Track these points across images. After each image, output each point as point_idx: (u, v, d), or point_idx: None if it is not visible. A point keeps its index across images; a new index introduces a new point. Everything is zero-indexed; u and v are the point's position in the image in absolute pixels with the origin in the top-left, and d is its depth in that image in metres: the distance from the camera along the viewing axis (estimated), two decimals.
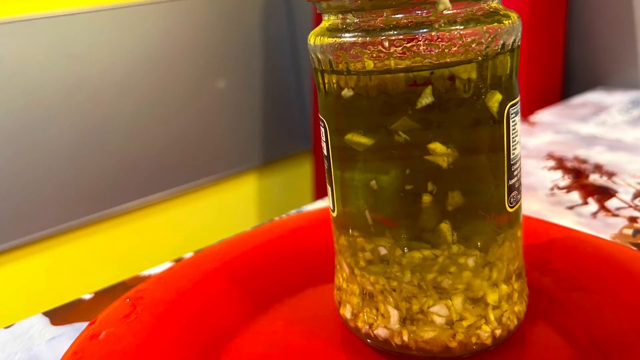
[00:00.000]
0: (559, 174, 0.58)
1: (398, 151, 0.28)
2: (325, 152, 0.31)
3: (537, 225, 0.40)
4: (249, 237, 0.43)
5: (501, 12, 0.27)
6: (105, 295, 0.42)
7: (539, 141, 0.70)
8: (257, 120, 1.34)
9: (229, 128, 1.29)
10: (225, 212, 1.33)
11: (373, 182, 0.29)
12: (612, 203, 0.50)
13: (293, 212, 0.53)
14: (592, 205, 0.50)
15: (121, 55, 1.11)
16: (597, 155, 0.63)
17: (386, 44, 0.26)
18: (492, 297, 0.30)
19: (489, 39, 0.26)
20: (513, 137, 0.29)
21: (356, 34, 0.27)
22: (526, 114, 0.84)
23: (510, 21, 0.27)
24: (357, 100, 0.28)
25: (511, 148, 0.29)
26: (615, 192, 0.52)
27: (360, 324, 0.32)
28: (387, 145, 0.28)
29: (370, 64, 0.27)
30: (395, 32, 0.26)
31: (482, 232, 0.29)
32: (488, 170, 0.28)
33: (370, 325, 0.31)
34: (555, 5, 0.91)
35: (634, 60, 0.88)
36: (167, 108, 1.18)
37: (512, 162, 0.29)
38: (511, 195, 0.29)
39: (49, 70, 1.03)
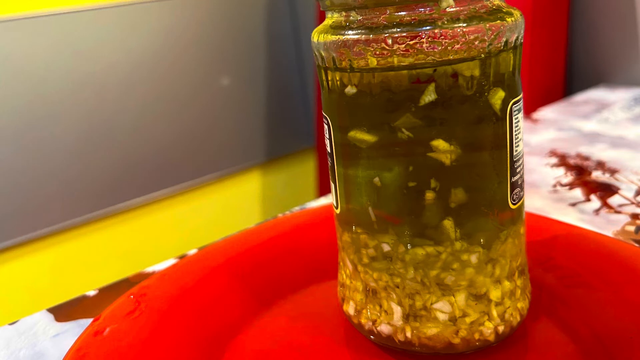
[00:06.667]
0: (561, 170, 0.58)
1: (401, 148, 0.28)
2: (328, 149, 0.31)
3: (539, 222, 0.40)
4: (252, 234, 0.43)
5: (504, 10, 0.27)
6: (110, 291, 0.43)
7: (541, 138, 0.70)
8: (261, 118, 1.34)
9: (232, 125, 1.29)
10: (229, 209, 1.34)
11: (376, 179, 0.29)
12: (614, 200, 0.50)
13: (296, 208, 0.53)
14: (595, 202, 0.50)
15: (125, 52, 1.11)
16: (599, 152, 0.63)
17: (389, 41, 0.26)
18: (495, 294, 0.30)
19: (492, 37, 0.26)
20: (516, 134, 0.29)
21: (359, 31, 0.27)
22: (529, 111, 0.84)
23: (513, 19, 0.27)
24: (360, 97, 0.28)
25: (514, 145, 0.29)
26: (618, 189, 0.52)
27: (363, 321, 0.32)
28: (390, 142, 0.28)
29: (373, 62, 0.27)
30: (398, 30, 0.26)
31: (485, 229, 0.29)
32: (491, 167, 0.28)
33: (374, 322, 0.31)
34: (558, 2, 0.91)
35: (636, 57, 0.88)
36: (171, 105, 1.18)
37: (514, 159, 0.29)
38: (514, 192, 0.29)
39: (53, 67, 1.03)
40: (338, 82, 0.29)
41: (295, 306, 0.37)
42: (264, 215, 1.41)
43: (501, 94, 0.27)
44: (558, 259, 0.37)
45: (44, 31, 1.02)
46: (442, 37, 0.26)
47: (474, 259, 0.29)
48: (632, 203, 0.49)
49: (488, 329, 0.30)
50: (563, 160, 0.61)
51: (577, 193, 0.52)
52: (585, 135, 0.69)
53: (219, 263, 0.39)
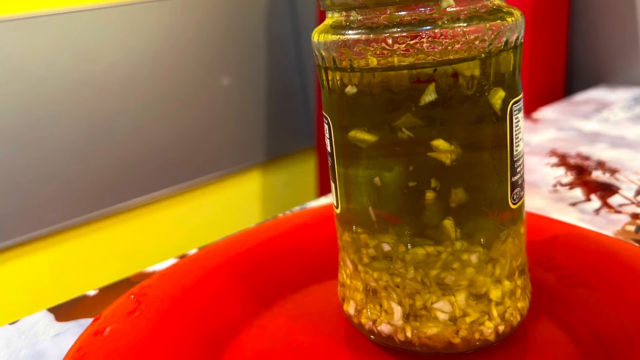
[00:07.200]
0: (561, 170, 0.58)
1: (401, 148, 0.28)
2: (328, 149, 0.31)
3: (540, 222, 0.40)
4: (253, 234, 0.43)
5: (504, 10, 0.27)
6: (110, 291, 0.43)
7: (541, 138, 0.70)
8: (261, 117, 1.34)
9: (233, 125, 1.29)
10: (229, 208, 1.34)
11: (376, 179, 0.29)
12: (614, 200, 0.50)
13: (297, 208, 0.53)
14: (595, 201, 0.50)
15: (126, 52, 1.11)
16: (599, 152, 0.63)
17: (389, 41, 0.26)
18: (495, 294, 0.30)
19: (492, 36, 0.26)
20: (516, 134, 0.29)
21: (360, 31, 0.27)
22: (529, 110, 0.84)
23: (513, 18, 0.27)
24: (360, 97, 0.28)
25: (514, 145, 0.29)
26: (618, 188, 0.52)
27: (363, 320, 0.32)
28: (391, 142, 0.28)
29: (373, 61, 0.27)
30: (398, 30, 0.26)
31: (485, 229, 0.29)
32: (491, 167, 0.28)
33: (374, 322, 0.31)
34: (558, 2, 0.91)
35: (636, 57, 0.88)
36: (171, 105, 1.18)
37: (515, 159, 0.29)
38: (514, 192, 0.29)
39: (54, 67, 1.03)
40: (338, 82, 0.29)
41: (295, 306, 0.37)
42: (264, 215, 1.41)
43: (501, 93, 0.28)
44: (558, 259, 0.37)
45: (44, 31, 1.02)
46: (443, 36, 0.26)
47: (474, 258, 0.29)
48: (633, 203, 0.49)
49: (488, 329, 0.30)
50: (563, 160, 0.61)
51: (578, 193, 0.52)
52: (586, 135, 0.69)
53: (219, 263, 0.39)
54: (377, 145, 0.28)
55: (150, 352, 0.31)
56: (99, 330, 0.32)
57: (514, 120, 0.28)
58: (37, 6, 1.01)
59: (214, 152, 1.28)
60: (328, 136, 0.31)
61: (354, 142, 0.29)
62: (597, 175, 0.56)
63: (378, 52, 0.26)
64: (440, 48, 0.26)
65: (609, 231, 0.45)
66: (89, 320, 0.39)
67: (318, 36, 0.29)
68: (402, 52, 0.26)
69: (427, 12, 0.26)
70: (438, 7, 0.26)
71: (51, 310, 0.41)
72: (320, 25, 0.30)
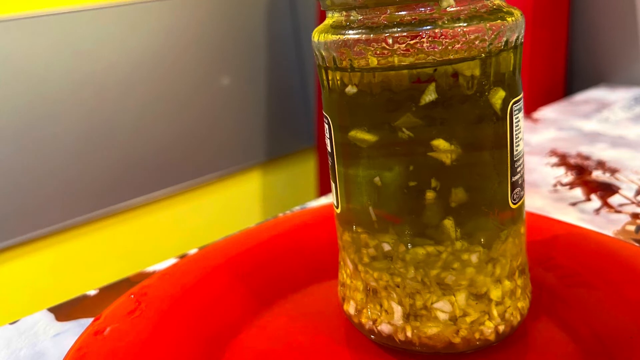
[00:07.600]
0: (562, 170, 0.58)
1: (402, 148, 0.28)
2: (329, 148, 0.31)
3: (540, 222, 0.40)
4: (253, 234, 0.43)
5: (504, 9, 0.27)
6: (110, 291, 0.43)
7: (542, 138, 0.70)
8: (261, 117, 1.34)
9: (233, 125, 1.29)
10: (229, 208, 1.34)
11: (377, 179, 0.29)
12: (614, 199, 0.50)
13: (297, 208, 0.53)
14: (595, 201, 0.50)
15: (126, 52, 1.11)
16: (599, 151, 0.63)
17: (390, 41, 0.26)
18: (495, 293, 0.30)
19: (492, 36, 0.26)
20: (516, 134, 0.29)
21: (360, 31, 0.27)
22: (529, 110, 0.84)
23: (513, 18, 0.27)
24: (360, 97, 0.28)
25: (514, 145, 0.29)
26: (618, 188, 0.52)
27: (364, 320, 0.32)
28: (391, 142, 0.28)
29: (373, 61, 0.27)
30: (398, 29, 0.26)
31: (486, 229, 0.29)
32: (491, 167, 0.28)
33: (374, 321, 0.31)
34: (558, 2, 0.91)
35: (636, 57, 0.88)
36: (171, 105, 1.18)
37: (515, 159, 0.29)
38: (514, 192, 0.29)
39: (54, 67, 1.03)
40: (338, 82, 0.29)
41: (296, 306, 0.37)
42: (264, 215, 1.41)
43: (501, 93, 0.28)
44: (558, 259, 0.37)
45: (44, 31, 1.02)
46: (443, 36, 0.26)
47: (474, 258, 0.29)
48: (633, 202, 0.49)
49: (488, 329, 0.30)
50: (563, 160, 0.61)
51: (578, 193, 0.52)
52: (586, 134, 0.69)
53: (219, 263, 0.39)
54: (378, 145, 0.28)
55: (150, 352, 0.31)
56: (99, 330, 0.32)
57: (514, 120, 0.28)
58: (37, 6, 1.01)
59: (214, 152, 1.28)
60: (328, 136, 0.31)
61: (354, 142, 0.29)
62: (597, 175, 0.56)
63: (378, 52, 0.26)
64: (440, 48, 0.26)
65: (609, 231, 0.45)
66: (89, 320, 0.39)
67: (318, 36, 0.29)
68: (402, 52, 0.26)
69: (427, 12, 0.26)
70: (438, 7, 0.26)
71: (51, 310, 0.41)
72: (321, 25, 0.30)
